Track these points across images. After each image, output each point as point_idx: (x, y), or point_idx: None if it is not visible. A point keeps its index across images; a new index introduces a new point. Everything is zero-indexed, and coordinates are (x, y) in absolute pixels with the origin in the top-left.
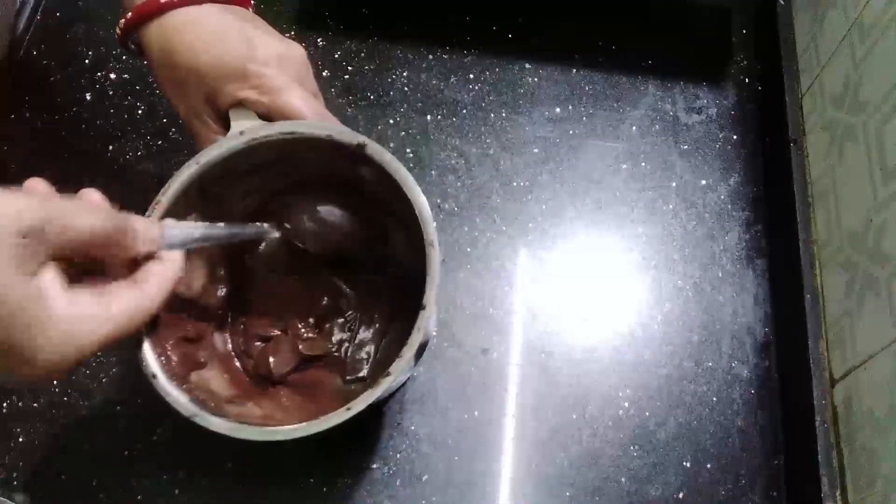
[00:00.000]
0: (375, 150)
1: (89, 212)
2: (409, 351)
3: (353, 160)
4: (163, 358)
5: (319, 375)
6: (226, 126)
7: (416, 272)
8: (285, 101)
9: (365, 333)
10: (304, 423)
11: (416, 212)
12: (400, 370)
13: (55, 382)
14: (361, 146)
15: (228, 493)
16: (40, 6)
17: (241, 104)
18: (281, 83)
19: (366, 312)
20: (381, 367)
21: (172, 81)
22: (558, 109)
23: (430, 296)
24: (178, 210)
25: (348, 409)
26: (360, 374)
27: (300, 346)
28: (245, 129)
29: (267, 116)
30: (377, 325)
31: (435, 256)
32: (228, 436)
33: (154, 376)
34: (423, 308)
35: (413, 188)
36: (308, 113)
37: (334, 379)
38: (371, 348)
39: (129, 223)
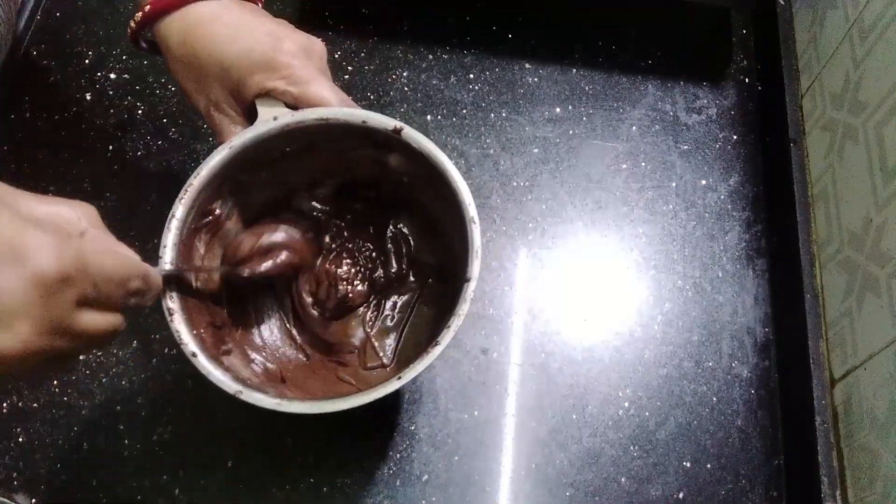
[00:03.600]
0: (411, 133)
1: (115, 257)
2: (457, 321)
3: (383, 147)
4: (198, 339)
5: (334, 365)
6: (248, 118)
7: (436, 259)
8: (315, 91)
9: (386, 323)
10: (351, 395)
11: (457, 192)
12: (447, 340)
13: (55, 382)
14: (398, 130)
15: (228, 493)
16: (40, 6)
17: (267, 95)
18: (308, 74)
19: (385, 301)
20: (404, 352)
21: (193, 74)
22: (558, 109)
23: (475, 268)
24: (205, 197)
25: (399, 377)
26: (383, 360)
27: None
28: (278, 115)
29: (293, 107)
30: (398, 313)
31: (476, 233)
32: (273, 410)
33: (194, 355)
34: (469, 280)
35: (452, 170)
36: (336, 102)
37: (351, 368)
38: (394, 336)
39: (144, 272)
